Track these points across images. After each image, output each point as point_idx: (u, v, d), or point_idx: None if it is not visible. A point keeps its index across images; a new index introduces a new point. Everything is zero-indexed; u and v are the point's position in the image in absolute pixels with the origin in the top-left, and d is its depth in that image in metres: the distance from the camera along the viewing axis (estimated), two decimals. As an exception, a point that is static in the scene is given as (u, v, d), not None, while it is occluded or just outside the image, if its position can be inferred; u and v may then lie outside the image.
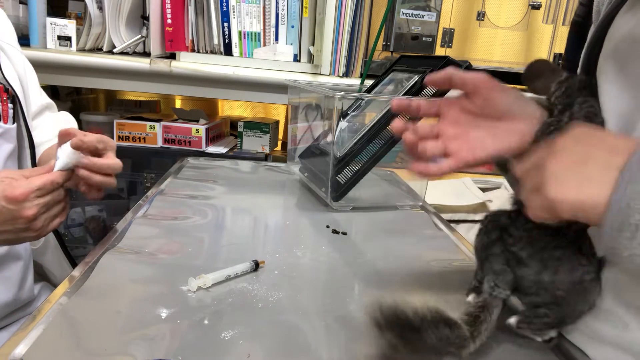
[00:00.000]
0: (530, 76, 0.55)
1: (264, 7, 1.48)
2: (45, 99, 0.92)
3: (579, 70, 0.54)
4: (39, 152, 0.86)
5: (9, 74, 0.80)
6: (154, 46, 1.42)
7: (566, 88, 0.50)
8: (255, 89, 1.47)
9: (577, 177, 0.37)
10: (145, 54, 1.46)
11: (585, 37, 0.59)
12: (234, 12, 1.47)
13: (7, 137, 0.76)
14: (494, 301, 0.48)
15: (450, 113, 0.53)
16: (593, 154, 0.38)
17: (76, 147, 0.63)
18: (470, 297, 0.51)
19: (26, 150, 0.81)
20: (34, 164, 0.82)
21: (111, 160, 0.65)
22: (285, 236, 0.75)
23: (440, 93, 0.84)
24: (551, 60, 1.74)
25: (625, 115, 0.46)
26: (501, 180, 1.69)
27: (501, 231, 0.50)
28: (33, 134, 0.84)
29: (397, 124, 0.51)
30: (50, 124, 0.91)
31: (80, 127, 1.61)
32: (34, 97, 0.88)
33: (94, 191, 0.67)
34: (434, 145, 0.50)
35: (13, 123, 0.78)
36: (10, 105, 0.77)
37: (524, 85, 0.57)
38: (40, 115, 0.90)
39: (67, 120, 0.96)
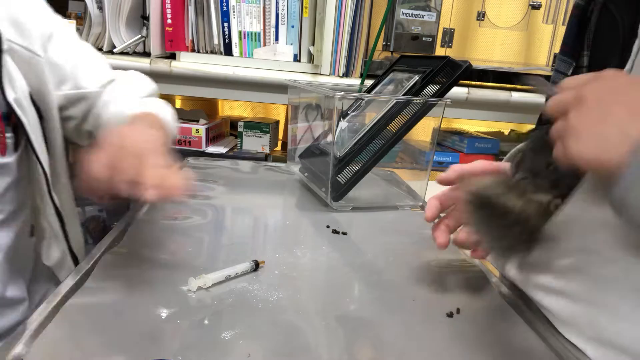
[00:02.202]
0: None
1: (264, 7, 1.48)
2: (103, 76, 0.81)
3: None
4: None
5: (12, 93, 0.66)
6: (154, 46, 1.42)
7: None
8: (255, 89, 1.47)
9: (596, 137, 0.39)
10: (145, 54, 1.46)
11: (586, 22, 0.59)
12: (234, 12, 1.47)
13: (3, 171, 0.69)
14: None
15: None
16: (614, 114, 0.39)
17: None
18: None
19: (38, 179, 0.73)
20: (49, 191, 0.74)
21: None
22: (285, 236, 0.75)
23: (441, 93, 0.84)
24: (550, 60, 1.74)
25: None
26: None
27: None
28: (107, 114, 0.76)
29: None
30: (123, 95, 0.80)
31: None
32: (88, 81, 0.78)
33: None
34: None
35: (16, 151, 0.70)
36: (8, 135, 0.68)
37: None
38: (101, 97, 0.80)
39: (139, 80, 0.87)
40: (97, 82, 0.80)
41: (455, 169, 0.62)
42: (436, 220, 0.63)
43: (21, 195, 0.74)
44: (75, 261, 0.83)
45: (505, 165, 0.59)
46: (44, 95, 0.73)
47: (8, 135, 0.69)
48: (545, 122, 0.57)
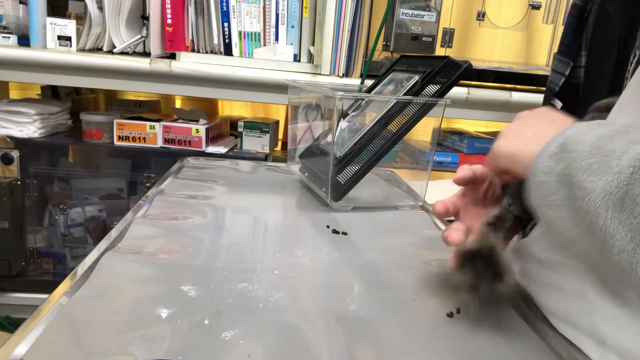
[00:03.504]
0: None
1: (264, 7, 1.48)
2: None
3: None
4: None
5: None
6: (154, 46, 1.42)
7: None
8: (255, 89, 1.48)
9: (518, 137, 0.49)
10: (145, 54, 1.46)
11: (583, 22, 0.60)
12: (234, 12, 1.47)
13: None
14: (507, 215, 0.59)
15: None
16: (536, 123, 0.49)
17: None
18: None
19: None
20: None
21: None
22: (285, 236, 0.75)
23: (441, 93, 0.84)
24: (550, 60, 1.74)
25: None
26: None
27: None
28: None
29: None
30: None
31: (80, 127, 1.61)
32: None
33: None
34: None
35: None
36: None
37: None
38: None
39: None
40: None
41: (471, 168, 0.62)
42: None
43: None
44: None
45: None
46: None
47: None
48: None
